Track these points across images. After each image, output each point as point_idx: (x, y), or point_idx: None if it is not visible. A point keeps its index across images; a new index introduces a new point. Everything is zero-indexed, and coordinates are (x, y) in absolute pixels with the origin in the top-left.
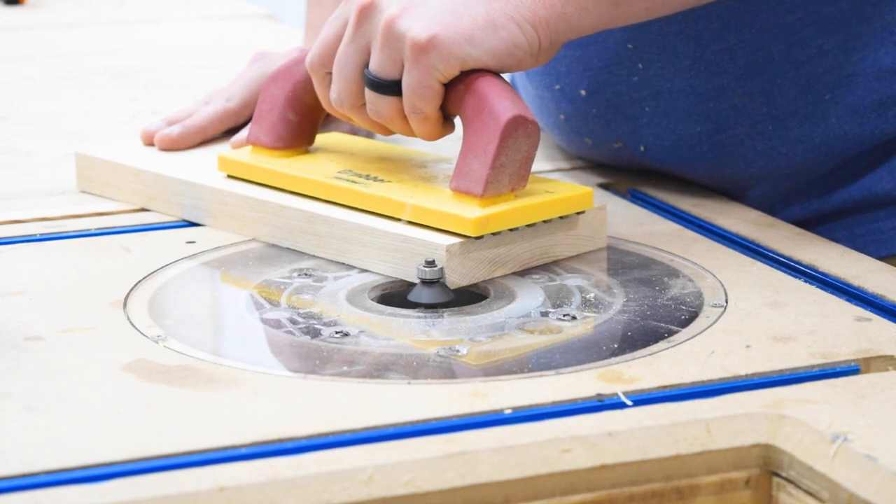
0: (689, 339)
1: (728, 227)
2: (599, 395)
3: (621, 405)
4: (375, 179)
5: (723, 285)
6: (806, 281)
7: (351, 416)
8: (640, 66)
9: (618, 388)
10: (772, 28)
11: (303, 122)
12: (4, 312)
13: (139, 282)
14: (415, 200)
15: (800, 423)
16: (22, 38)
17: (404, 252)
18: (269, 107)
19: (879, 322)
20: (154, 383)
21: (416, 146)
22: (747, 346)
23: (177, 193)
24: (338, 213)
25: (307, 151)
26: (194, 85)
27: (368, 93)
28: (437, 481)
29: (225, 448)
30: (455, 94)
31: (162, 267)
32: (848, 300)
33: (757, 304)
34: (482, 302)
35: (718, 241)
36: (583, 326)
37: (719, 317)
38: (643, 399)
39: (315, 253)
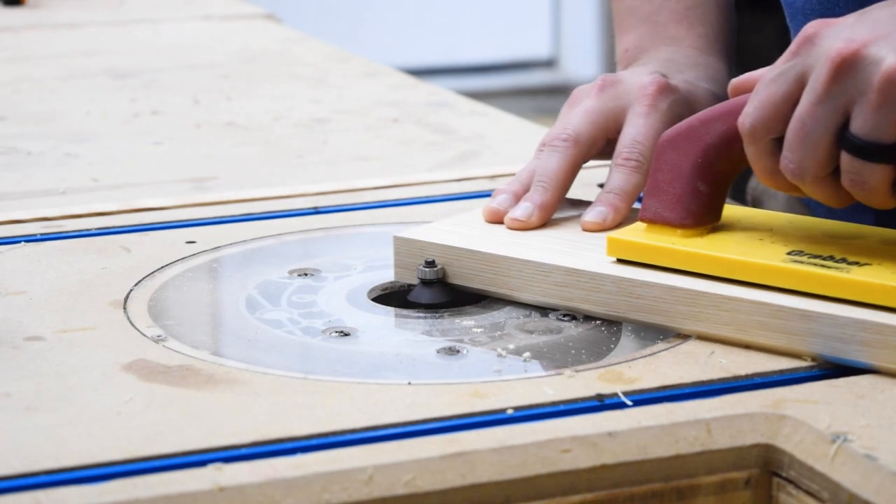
0: (689, 339)
1: None
2: (599, 395)
3: (621, 405)
4: (851, 262)
5: None
6: None
7: (351, 416)
8: None
9: (618, 388)
10: None
11: (714, 193)
12: (4, 312)
13: (139, 282)
14: None
15: (800, 423)
16: (22, 38)
17: None
18: (669, 177)
19: None
20: (154, 383)
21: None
22: (747, 346)
23: (558, 285)
24: (819, 306)
25: (713, 229)
26: (194, 85)
27: (851, 161)
28: (437, 481)
29: (225, 448)
30: None
31: (162, 267)
32: None
33: None
34: (482, 302)
35: None
36: (583, 326)
37: None
38: (643, 399)
39: (781, 351)
